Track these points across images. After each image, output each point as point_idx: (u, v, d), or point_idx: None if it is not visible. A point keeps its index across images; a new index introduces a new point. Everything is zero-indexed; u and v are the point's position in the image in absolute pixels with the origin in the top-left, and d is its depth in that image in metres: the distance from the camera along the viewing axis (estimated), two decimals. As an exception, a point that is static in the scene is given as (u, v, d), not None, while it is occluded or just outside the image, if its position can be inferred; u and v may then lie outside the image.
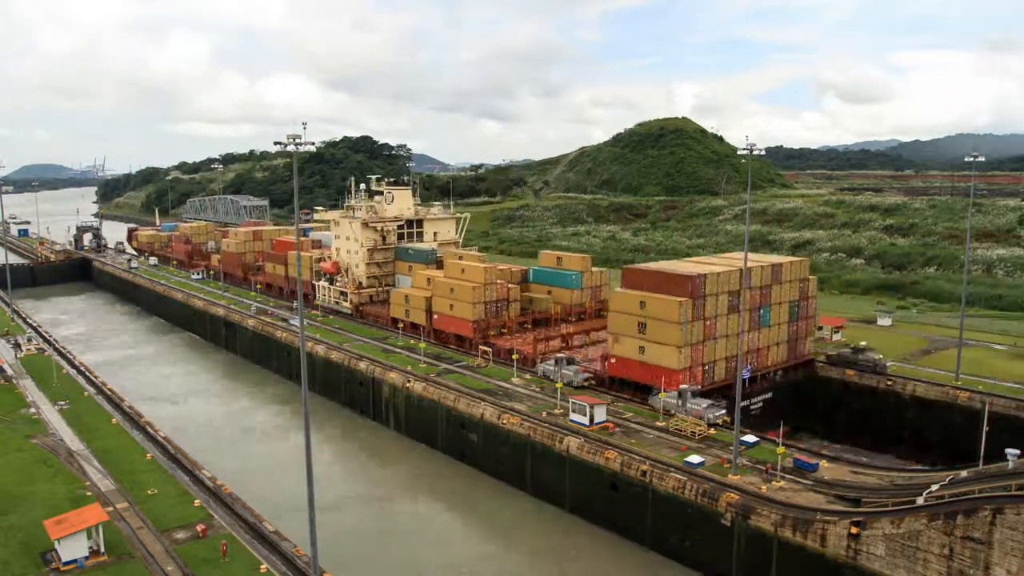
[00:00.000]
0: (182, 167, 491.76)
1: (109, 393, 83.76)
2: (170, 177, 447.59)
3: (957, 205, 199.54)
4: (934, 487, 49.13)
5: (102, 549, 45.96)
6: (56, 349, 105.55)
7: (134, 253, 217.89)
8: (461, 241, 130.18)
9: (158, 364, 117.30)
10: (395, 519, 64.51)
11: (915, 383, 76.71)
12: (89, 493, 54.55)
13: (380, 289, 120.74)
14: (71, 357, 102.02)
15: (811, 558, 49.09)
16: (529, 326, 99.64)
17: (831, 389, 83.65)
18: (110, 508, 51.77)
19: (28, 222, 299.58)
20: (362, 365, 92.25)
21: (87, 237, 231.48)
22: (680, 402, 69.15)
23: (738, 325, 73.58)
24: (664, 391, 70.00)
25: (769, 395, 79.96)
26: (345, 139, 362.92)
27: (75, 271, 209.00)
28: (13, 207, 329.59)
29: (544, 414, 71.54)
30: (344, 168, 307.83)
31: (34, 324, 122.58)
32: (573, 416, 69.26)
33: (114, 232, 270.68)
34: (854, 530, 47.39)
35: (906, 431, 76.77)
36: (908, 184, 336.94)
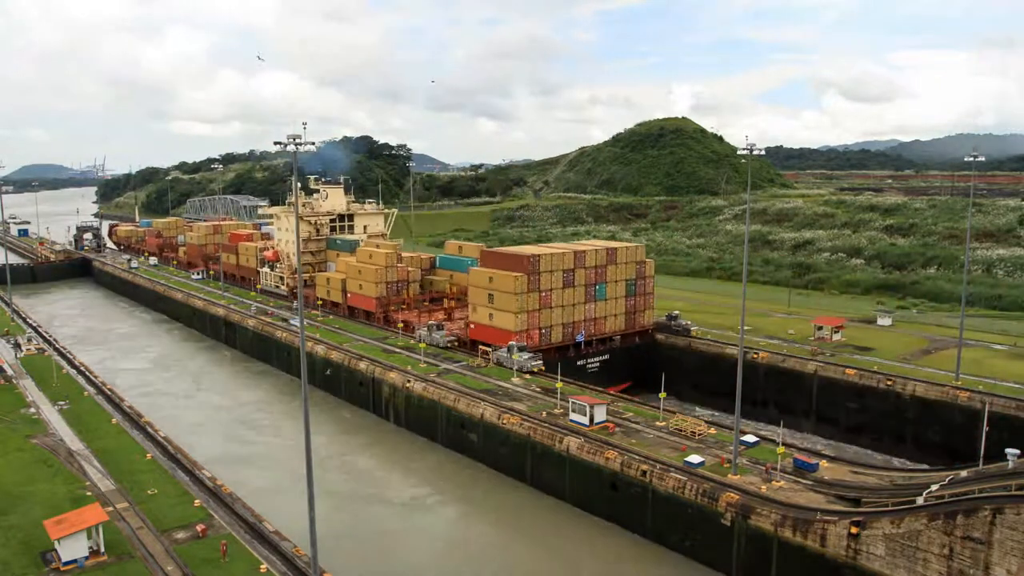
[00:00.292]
0: (182, 167, 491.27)
1: (109, 393, 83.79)
2: (170, 177, 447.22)
3: (957, 205, 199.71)
4: (934, 487, 49.13)
5: (102, 549, 45.96)
6: (56, 349, 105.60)
7: (113, 247, 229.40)
8: (388, 233, 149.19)
9: (158, 360, 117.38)
10: (395, 518, 64.46)
11: (915, 383, 76.70)
12: (89, 493, 54.56)
13: (313, 274, 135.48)
14: (71, 357, 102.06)
15: (811, 558, 49.09)
16: (427, 303, 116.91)
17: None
18: (110, 508, 51.76)
19: (28, 222, 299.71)
20: (362, 365, 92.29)
21: (87, 237, 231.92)
22: (508, 355, 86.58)
23: (573, 297, 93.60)
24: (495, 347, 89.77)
25: (607, 357, 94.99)
26: (345, 139, 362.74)
27: (75, 271, 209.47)
28: (13, 207, 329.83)
29: (544, 414, 71.57)
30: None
31: (34, 324, 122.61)
32: (573, 416, 69.30)
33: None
34: (854, 530, 47.39)
35: (907, 431, 76.80)
36: (908, 184, 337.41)
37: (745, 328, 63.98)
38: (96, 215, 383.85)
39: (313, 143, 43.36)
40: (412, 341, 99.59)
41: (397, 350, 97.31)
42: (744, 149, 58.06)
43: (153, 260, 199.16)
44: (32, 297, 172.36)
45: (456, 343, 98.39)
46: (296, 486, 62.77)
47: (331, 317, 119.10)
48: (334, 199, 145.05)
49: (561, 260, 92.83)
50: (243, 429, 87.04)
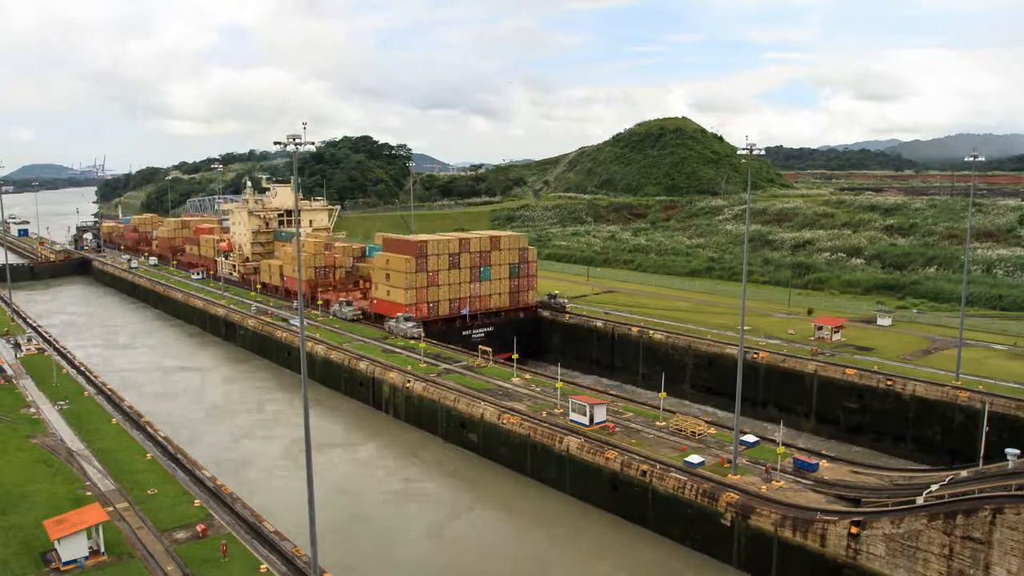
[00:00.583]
0: (182, 167, 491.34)
1: (109, 393, 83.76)
2: (170, 177, 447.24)
3: (957, 205, 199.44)
4: (934, 487, 49.15)
5: (102, 549, 45.95)
6: (56, 349, 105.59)
7: (111, 246, 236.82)
8: (332, 227, 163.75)
9: (159, 356, 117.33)
10: (397, 517, 64.42)
11: (915, 383, 76.67)
12: (89, 493, 54.55)
13: (260, 262, 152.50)
14: (71, 357, 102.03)
15: (811, 558, 49.11)
16: (351, 286, 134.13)
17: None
18: (110, 508, 51.75)
19: (28, 221, 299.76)
20: (362, 365, 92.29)
21: (87, 237, 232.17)
22: (396, 324, 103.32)
23: (459, 277, 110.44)
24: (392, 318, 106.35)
25: (491, 328, 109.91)
26: (345, 139, 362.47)
27: (75, 271, 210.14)
28: (13, 207, 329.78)
29: (544, 414, 71.56)
30: (345, 168, 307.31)
31: (34, 324, 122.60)
32: (573, 416, 69.30)
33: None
34: (854, 530, 47.39)
35: (907, 431, 76.78)
36: (908, 184, 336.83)
37: (745, 328, 63.99)
38: (96, 215, 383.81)
39: (313, 143, 43.23)
40: (329, 317, 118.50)
41: (397, 350, 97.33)
42: (744, 149, 58.02)
43: (153, 260, 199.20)
44: (32, 294, 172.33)
45: (362, 315, 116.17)
46: (296, 486, 62.75)
47: (270, 299, 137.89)
48: (283, 196, 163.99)
49: (447, 245, 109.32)
50: (243, 428, 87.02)
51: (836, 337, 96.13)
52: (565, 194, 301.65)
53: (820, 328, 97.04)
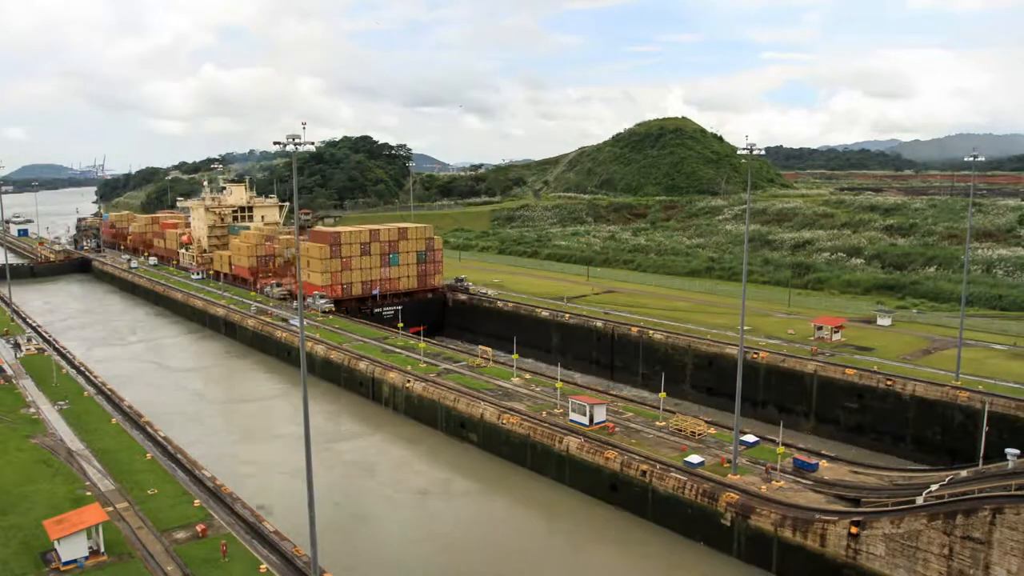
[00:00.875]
0: (182, 167, 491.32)
1: (109, 393, 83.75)
2: (170, 177, 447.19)
3: (957, 205, 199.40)
4: (934, 487, 49.16)
5: (102, 549, 45.95)
6: (56, 349, 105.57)
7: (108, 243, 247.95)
8: (282, 222, 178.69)
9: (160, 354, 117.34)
10: (397, 517, 64.43)
11: (915, 383, 76.66)
12: (89, 493, 54.55)
13: (214, 253, 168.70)
14: (71, 357, 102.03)
15: (811, 558, 49.12)
16: (290, 272, 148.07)
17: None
18: (110, 508, 51.76)
19: (29, 221, 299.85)
20: (362, 365, 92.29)
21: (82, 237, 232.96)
22: (312, 300, 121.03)
23: (370, 263, 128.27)
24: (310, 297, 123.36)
25: (400, 307, 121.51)
26: (345, 139, 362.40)
27: (75, 271, 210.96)
28: (13, 207, 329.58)
29: (544, 414, 71.57)
30: (344, 168, 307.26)
31: (34, 324, 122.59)
32: (573, 416, 69.31)
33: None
34: (854, 530, 47.40)
35: (907, 431, 76.77)
36: (908, 184, 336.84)
37: (745, 328, 63.98)
38: (96, 215, 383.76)
39: (312, 143, 43.23)
40: (264, 296, 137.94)
41: (396, 350, 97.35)
42: (744, 149, 57.99)
43: (153, 260, 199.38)
44: (32, 294, 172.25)
45: (288, 294, 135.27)
46: (295, 485, 62.71)
47: (221, 283, 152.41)
48: (237, 194, 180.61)
49: (359, 236, 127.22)
50: (243, 428, 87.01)
51: (836, 337, 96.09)
52: (565, 194, 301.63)
53: (820, 328, 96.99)
